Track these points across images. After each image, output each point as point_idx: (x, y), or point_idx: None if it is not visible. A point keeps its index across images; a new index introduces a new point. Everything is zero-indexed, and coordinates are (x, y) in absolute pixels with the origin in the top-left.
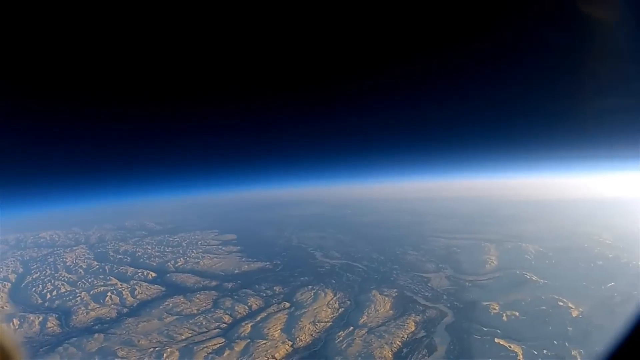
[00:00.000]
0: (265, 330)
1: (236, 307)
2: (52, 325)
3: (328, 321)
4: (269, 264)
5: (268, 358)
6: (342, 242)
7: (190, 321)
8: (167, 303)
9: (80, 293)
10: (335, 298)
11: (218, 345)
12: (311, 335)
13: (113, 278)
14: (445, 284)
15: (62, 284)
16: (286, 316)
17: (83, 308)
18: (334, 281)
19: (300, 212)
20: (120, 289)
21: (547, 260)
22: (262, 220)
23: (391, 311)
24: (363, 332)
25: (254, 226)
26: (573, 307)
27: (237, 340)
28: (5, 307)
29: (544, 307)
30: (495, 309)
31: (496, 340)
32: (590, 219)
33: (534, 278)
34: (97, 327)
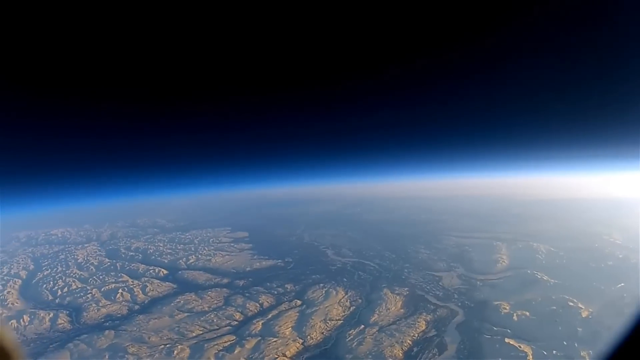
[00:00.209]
0: (276, 328)
1: (247, 305)
2: (62, 321)
3: (339, 319)
4: (280, 261)
5: (279, 356)
6: (354, 240)
7: (202, 318)
8: (178, 300)
9: (92, 290)
10: (346, 296)
11: (229, 343)
12: (322, 333)
13: (124, 275)
14: (456, 283)
15: (73, 281)
16: (297, 314)
17: (94, 305)
18: (345, 279)
19: (313, 210)
20: (131, 286)
21: (558, 259)
22: (274, 218)
23: (402, 310)
24: (374, 330)
25: (265, 224)
26: (583, 307)
27: (248, 338)
28: (16, 304)
29: (554, 307)
30: (506, 309)
31: (506, 340)
32: (601, 219)
33: (545, 278)
34: (107, 323)
